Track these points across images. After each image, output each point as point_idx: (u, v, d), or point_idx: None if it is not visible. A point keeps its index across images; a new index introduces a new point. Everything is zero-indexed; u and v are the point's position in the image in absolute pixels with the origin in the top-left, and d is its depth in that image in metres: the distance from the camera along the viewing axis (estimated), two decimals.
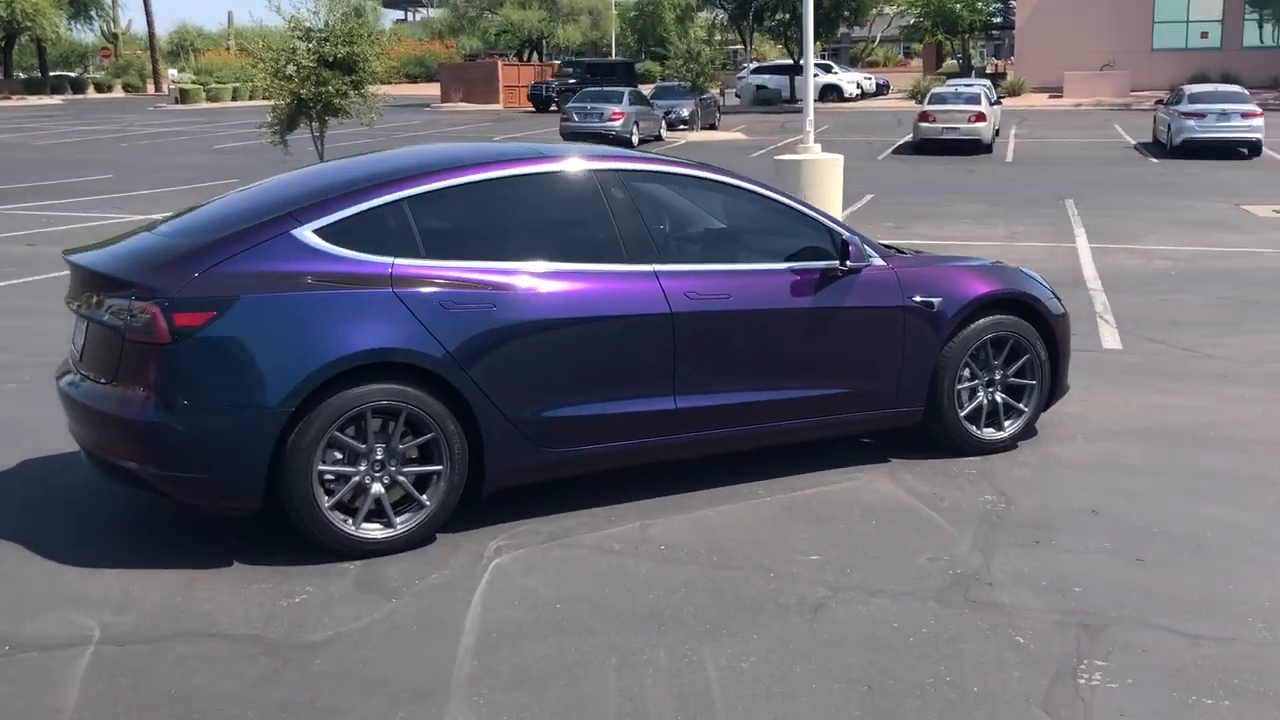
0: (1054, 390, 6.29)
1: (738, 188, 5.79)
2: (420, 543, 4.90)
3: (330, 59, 15.75)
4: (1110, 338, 8.87)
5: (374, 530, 4.81)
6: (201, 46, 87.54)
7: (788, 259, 5.68)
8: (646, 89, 40.94)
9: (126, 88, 73.76)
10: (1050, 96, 48.27)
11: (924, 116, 27.98)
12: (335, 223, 4.87)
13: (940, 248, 11.75)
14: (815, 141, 15.26)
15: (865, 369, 5.76)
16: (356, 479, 4.76)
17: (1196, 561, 4.78)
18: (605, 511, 5.31)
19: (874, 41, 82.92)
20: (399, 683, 3.81)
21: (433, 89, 59.58)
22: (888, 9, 62.50)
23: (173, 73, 73.22)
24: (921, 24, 56.85)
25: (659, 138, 32.98)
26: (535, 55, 69.90)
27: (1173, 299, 10.47)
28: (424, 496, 4.87)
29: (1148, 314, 9.78)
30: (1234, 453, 6.16)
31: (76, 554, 4.90)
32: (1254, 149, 25.15)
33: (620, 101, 31.91)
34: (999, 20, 61.03)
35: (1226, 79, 39.52)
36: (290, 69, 16.05)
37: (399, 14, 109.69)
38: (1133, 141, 29.89)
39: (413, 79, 74.47)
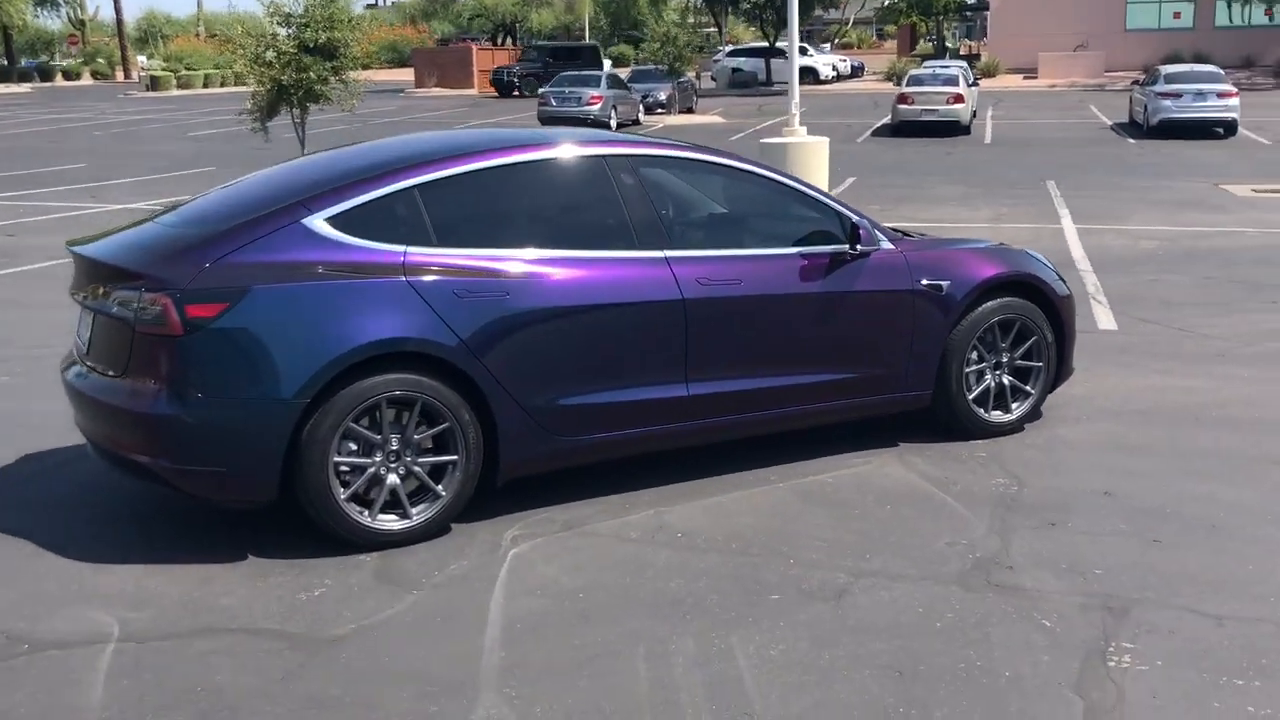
0: (1059, 372, 6.30)
1: (749, 172, 5.77)
2: (436, 533, 4.86)
3: (311, 44, 15.59)
4: (1105, 318, 8.91)
5: (390, 521, 4.77)
6: (170, 33, 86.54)
7: (797, 243, 5.66)
8: (623, 72, 40.81)
9: (95, 75, 72.91)
10: (1025, 78, 48.45)
11: (902, 99, 28.02)
12: (347, 211, 4.81)
13: (930, 231, 11.76)
14: (802, 125, 15.28)
15: (875, 353, 5.75)
16: (372, 470, 4.72)
17: (1211, 542, 4.80)
18: (618, 499, 5.29)
19: (847, 23, 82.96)
20: (428, 675, 3.78)
21: (406, 74, 59.18)
22: None
23: (142, 60, 72.44)
24: (897, 5, 56.91)
25: (637, 121, 32.88)
26: (510, 39, 69.53)
27: (1162, 279, 10.53)
28: (439, 487, 4.83)
29: (1139, 294, 9.83)
30: (1237, 433, 6.19)
31: (86, 549, 4.83)
32: (1229, 128, 25.34)
33: (598, 85, 31.81)
34: (973, 1, 61.16)
35: (1199, 59, 39.73)
36: (270, 55, 15.87)
37: None
38: (1109, 122, 30.03)
39: (386, 64, 73.96)
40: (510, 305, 4.89)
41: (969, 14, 67.93)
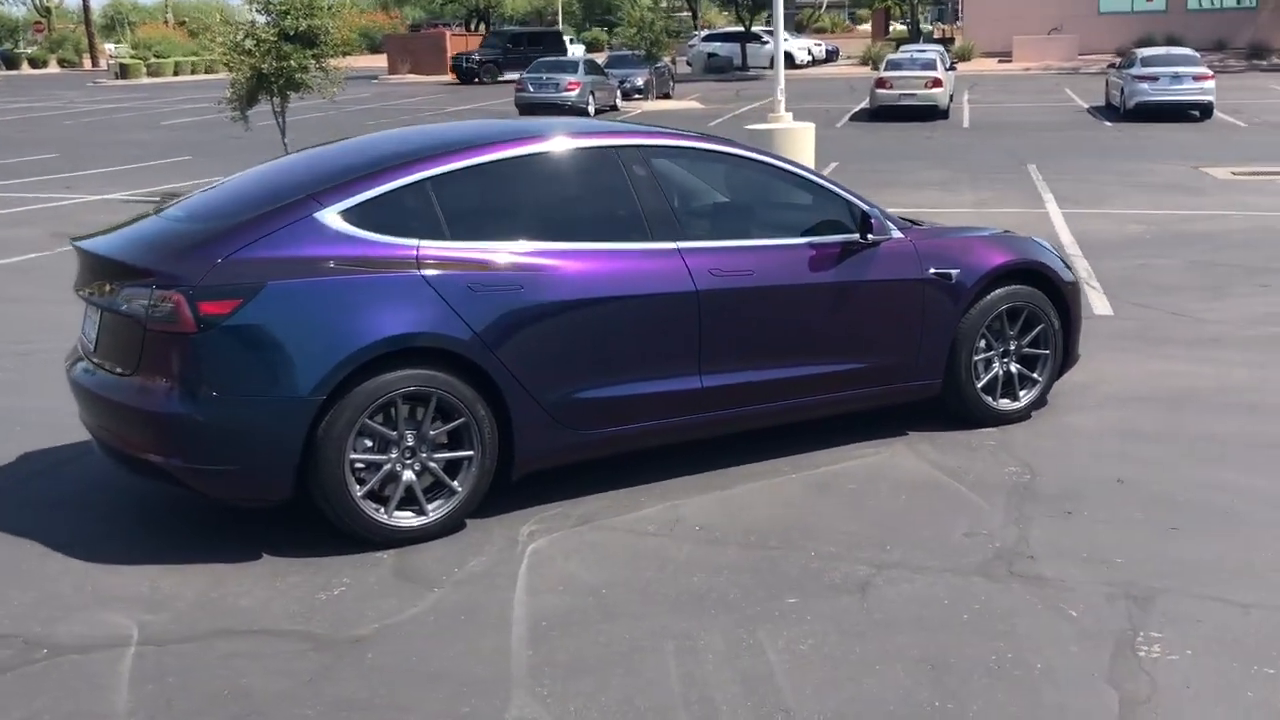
0: (1066, 359, 6.30)
1: (760, 162, 5.73)
2: (452, 529, 4.82)
3: (291, 32, 15.41)
4: (1100, 304, 8.92)
5: (406, 518, 4.72)
6: (137, 20, 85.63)
7: (806, 233, 5.63)
8: (600, 58, 40.62)
9: (62, 63, 72.02)
10: (999, 61, 48.52)
11: (880, 83, 28.00)
12: (358, 205, 4.74)
13: (919, 217, 11.75)
14: (786, 110, 15.25)
15: (886, 342, 5.74)
16: (388, 467, 4.67)
17: (1228, 529, 4.81)
18: (631, 493, 5.26)
19: (820, 7, 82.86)
20: (458, 675, 3.74)
21: (378, 61, 58.67)
22: None
23: (110, 47, 71.59)
24: None
25: (614, 107, 32.74)
26: (483, 25, 69.12)
27: (1152, 263, 10.56)
28: (455, 482, 4.78)
29: (1131, 279, 9.85)
30: (1242, 417, 6.21)
31: (95, 550, 4.76)
32: (1205, 111, 25.45)
33: (575, 71, 31.64)
34: None
35: (1172, 41, 39.86)
36: (249, 43, 15.67)
37: None
38: (1085, 105, 30.12)
39: (359, 50, 73.40)
40: (524, 299, 4.84)
41: None
